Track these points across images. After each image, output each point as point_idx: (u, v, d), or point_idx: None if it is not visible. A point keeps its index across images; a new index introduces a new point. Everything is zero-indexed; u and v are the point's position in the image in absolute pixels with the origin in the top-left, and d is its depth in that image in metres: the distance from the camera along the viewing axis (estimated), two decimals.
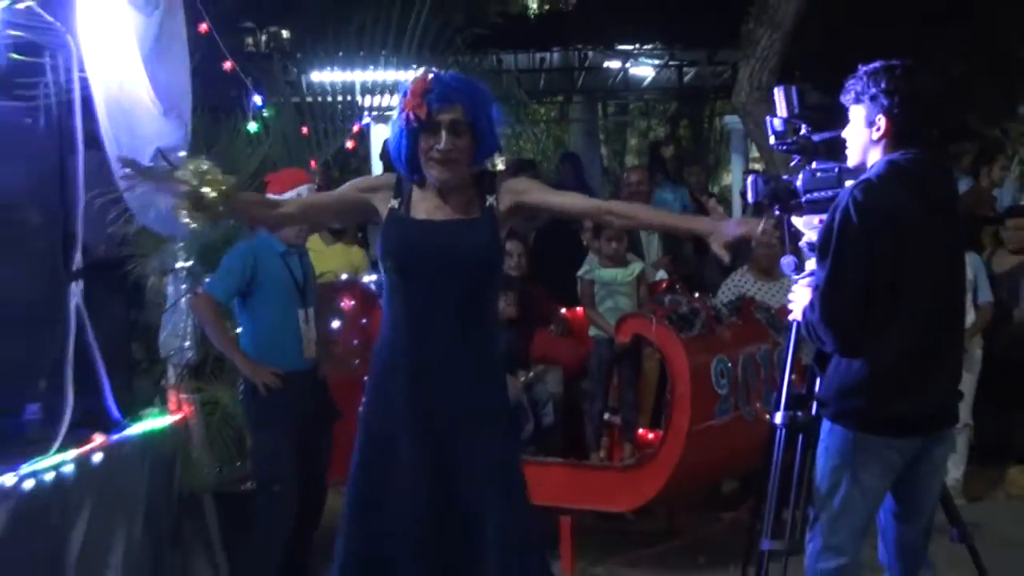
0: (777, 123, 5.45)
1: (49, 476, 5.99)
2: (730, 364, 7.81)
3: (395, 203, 4.79)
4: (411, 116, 4.59)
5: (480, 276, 4.83)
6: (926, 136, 4.95)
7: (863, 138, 4.89)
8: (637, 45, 20.61)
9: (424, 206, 4.78)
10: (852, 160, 5.00)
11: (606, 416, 8.27)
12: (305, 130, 8.61)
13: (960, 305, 5.20)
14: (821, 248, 4.77)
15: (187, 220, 4.62)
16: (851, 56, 5.09)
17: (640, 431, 8.26)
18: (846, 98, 4.95)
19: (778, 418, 5.23)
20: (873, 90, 4.82)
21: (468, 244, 4.76)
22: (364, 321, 8.18)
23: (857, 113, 4.91)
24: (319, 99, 9.22)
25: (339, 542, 5.01)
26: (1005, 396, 9.91)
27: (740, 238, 4.82)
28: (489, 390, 4.88)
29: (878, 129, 4.82)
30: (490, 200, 4.80)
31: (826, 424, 4.92)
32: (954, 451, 9.15)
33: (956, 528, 5.36)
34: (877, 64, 4.88)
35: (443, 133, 4.60)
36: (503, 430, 4.97)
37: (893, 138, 4.82)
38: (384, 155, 12.44)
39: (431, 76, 4.70)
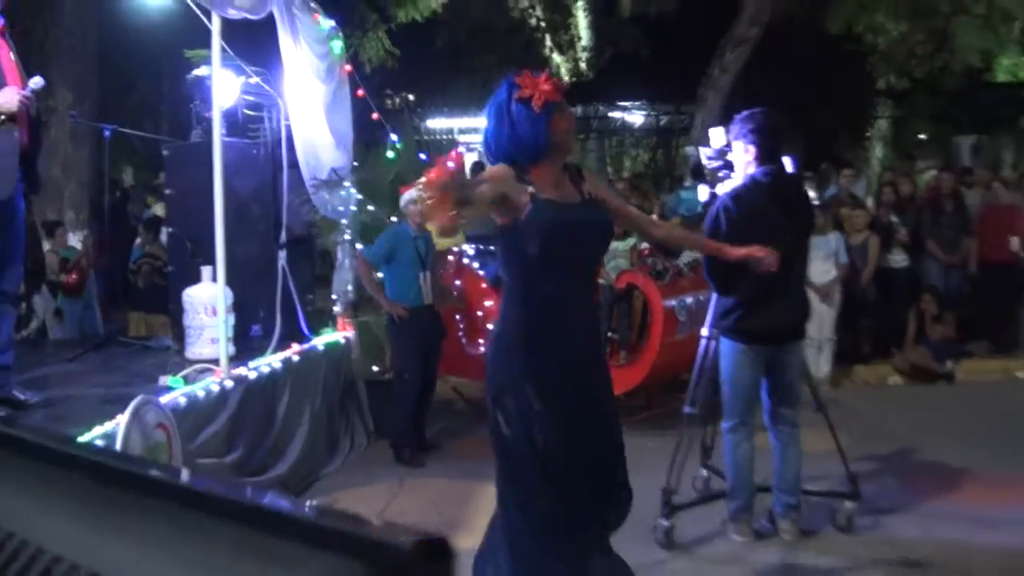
0: (710, 151, 5.45)
1: (266, 369, 6.15)
2: (687, 302, 7.83)
3: (531, 190, 3.47)
4: (551, 97, 3.47)
5: (605, 249, 3.92)
6: (777, 156, 5.01)
7: (743, 160, 4.95)
8: (631, 101, 20.62)
9: (548, 192, 3.52)
10: (737, 175, 5.05)
11: (609, 334, 8.30)
12: (423, 156, 8.64)
13: (796, 267, 5.12)
14: (706, 231, 4.92)
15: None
16: (763, 106, 5.11)
17: (630, 343, 8.28)
18: (730, 136, 5.03)
19: (704, 332, 5.36)
20: (745, 129, 4.89)
21: (599, 222, 3.66)
22: (458, 280, 8.24)
23: (737, 145, 4.97)
24: (432, 137, 9.22)
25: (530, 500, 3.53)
26: (855, 322, 10.07)
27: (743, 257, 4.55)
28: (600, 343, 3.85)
29: (748, 153, 4.89)
30: (587, 188, 3.67)
31: (721, 336, 5.12)
32: (823, 355, 9.34)
33: (816, 403, 5.43)
34: (746, 112, 4.96)
35: (567, 107, 3.61)
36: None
37: (757, 159, 4.89)
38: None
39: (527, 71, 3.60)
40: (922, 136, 20.43)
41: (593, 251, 3.74)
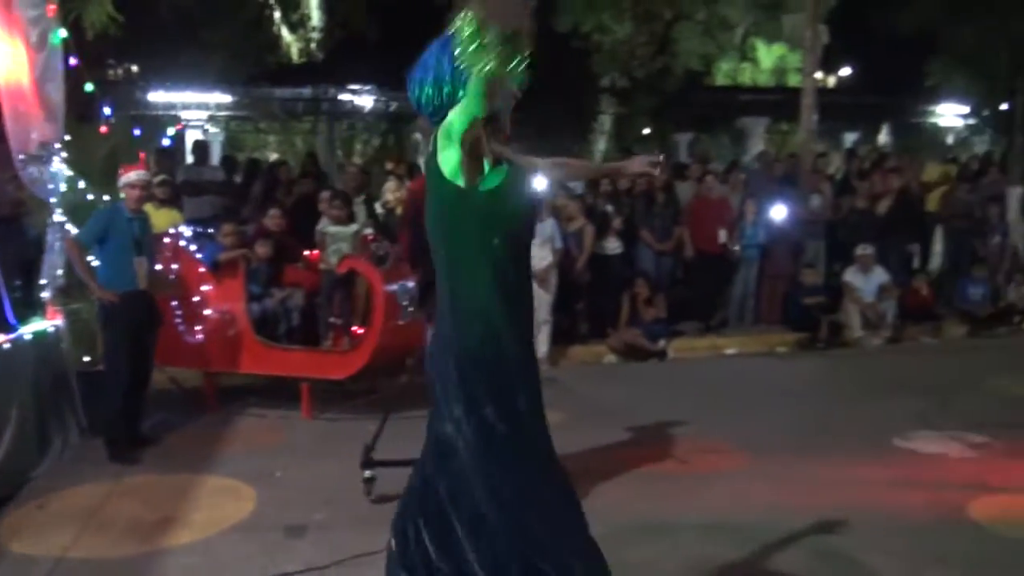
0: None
1: None
2: (409, 286, 7.98)
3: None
4: None
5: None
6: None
7: None
8: (361, 85, 20.72)
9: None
10: None
11: (331, 319, 8.37)
12: (137, 131, 8.40)
13: None
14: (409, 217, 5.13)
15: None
16: None
17: (353, 328, 8.34)
18: None
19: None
20: None
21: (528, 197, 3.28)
22: (174, 265, 8.07)
23: None
24: (153, 112, 8.97)
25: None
26: (572, 305, 10.68)
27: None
28: None
29: None
30: None
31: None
32: (541, 335, 9.76)
33: None
34: None
35: None
36: None
37: None
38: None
39: None
40: (645, 131, 21.71)
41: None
